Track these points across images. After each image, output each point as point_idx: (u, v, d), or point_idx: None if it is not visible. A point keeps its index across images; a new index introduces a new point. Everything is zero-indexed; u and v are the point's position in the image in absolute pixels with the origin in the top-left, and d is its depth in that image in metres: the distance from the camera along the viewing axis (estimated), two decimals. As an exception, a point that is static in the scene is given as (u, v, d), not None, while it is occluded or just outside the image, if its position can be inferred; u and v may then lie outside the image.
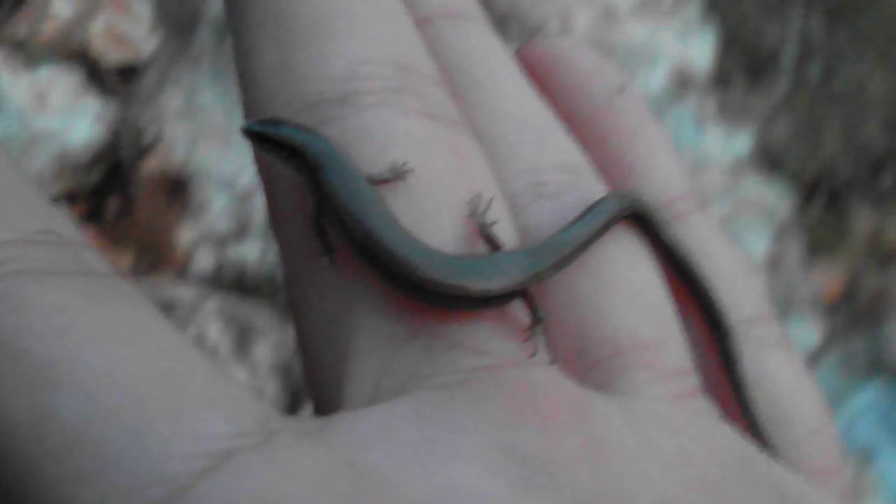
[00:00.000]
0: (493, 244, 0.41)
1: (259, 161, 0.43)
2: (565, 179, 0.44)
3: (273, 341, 0.79)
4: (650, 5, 2.15)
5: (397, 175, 0.41)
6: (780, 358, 0.45)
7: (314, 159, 0.40)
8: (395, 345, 0.39)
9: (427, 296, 0.39)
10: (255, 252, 0.80)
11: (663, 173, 0.47)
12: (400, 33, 0.44)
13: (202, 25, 0.95)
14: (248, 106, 0.43)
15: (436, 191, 0.41)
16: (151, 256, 0.83)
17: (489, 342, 0.39)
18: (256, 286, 0.78)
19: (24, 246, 0.33)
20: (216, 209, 0.83)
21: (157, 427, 0.32)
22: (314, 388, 0.41)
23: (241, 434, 0.33)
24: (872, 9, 2.93)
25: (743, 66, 2.59)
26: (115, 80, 0.92)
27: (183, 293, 0.81)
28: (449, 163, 0.41)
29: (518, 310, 0.41)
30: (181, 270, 0.82)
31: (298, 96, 0.42)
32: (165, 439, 0.32)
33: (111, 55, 0.87)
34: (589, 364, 0.41)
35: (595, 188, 0.45)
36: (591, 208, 0.43)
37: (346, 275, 0.40)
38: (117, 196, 0.84)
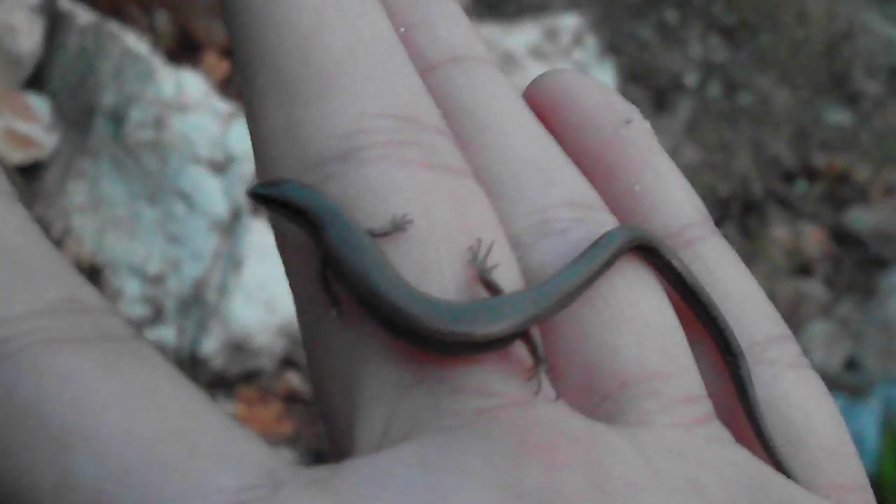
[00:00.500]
0: (493, 289, 0.41)
1: (271, 221, 0.43)
2: (572, 216, 0.44)
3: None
4: (546, 47, 2.19)
5: (397, 227, 0.40)
6: (794, 378, 0.45)
7: (315, 217, 0.40)
8: (401, 391, 0.39)
9: (429, 344, 0.39)
10: (172, 334, 0.81)
11: (673, 201, 0.47)
12: (402, 84, 0.43)
13: (98, 118, 0.96)
14: (259, 168, 0.43)
15: (435, 240, 0.41)
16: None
17: (492, 383, 0.39)
18: (178, 367, 0.79)
19: (48, 315, 0.34)
20: (130, 295, 0.84)
21: (168, 486, 0.32)
22: (330, 435, 0.41)
23: (249, 487, 0.33)
24: (769, 28, 3.01)
25: (647, 94, 2.64)
26: (18, 180, 0.92)
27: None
28: (448, 211, 0.41)
29: (521, 350, 0.41)
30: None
31: (303, 156, 0.42)
32: (175, 498, 0.32)
33: (13, 155, 0.88)
34: (598, 398, 0.41)
35: (604, 222, 0.44)
36: (596, 243, 0.43)
37: (353, 326, 0.40)
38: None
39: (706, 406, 0.42)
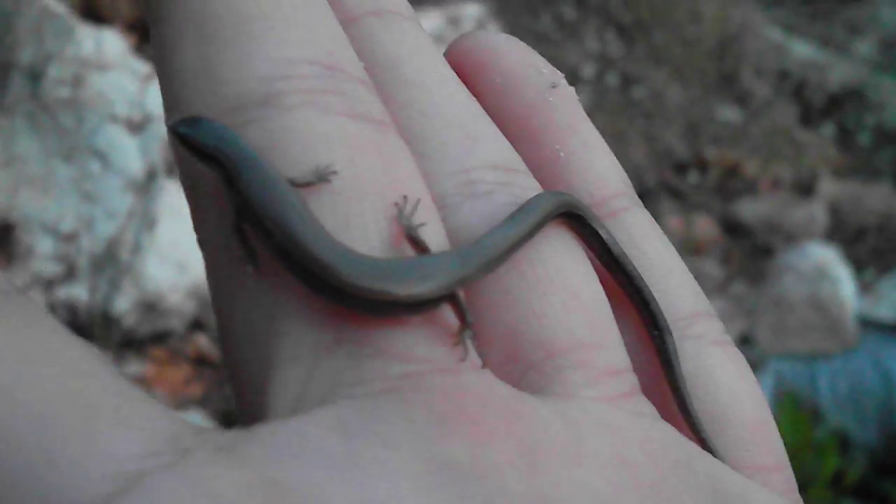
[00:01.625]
0: (420, 247, 0.38)
1: (181, 163, 0.40)
2: (497, 178, 0.42)
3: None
4: (449, 33, 2.20)
5: (321, 178, 0.38)
6: (718, 355, 0.43)
7: (232, 163, 0.37)
8: (319, 353, 0.36)
9: (352, 301, 0.36)
10: (84, 292, 0.80)
11: (598, 171, 0.45)
12: (324, 32, 0.41)
13: (14, 76, 0.94)
14: (169, 106, 0.40)
15: (361, 193, 0.38)
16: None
17: (416, 348, 0.37)
18: (88, 326, 0.79)
19: None
20: (42, 253, 0.83)
21: (67, 450, 0.30)
22: (239, 397, 0.38)
23: (153, 454, 0.31)
24: (663, 25, 3.07)
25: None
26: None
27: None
28: (375, 164, 0.39)
29: (447, 314, 0.38)
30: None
31: (220, 98, 0.39)
32: (75, 462, 0.30)
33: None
34: (524, 367, 0.39)
35: (528, 187, 0.42)
36: (523, 208, 0.41)
37: (269, 281, 0.37)
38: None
39: (632, 380, 0.40)
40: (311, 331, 0.36)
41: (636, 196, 0.46)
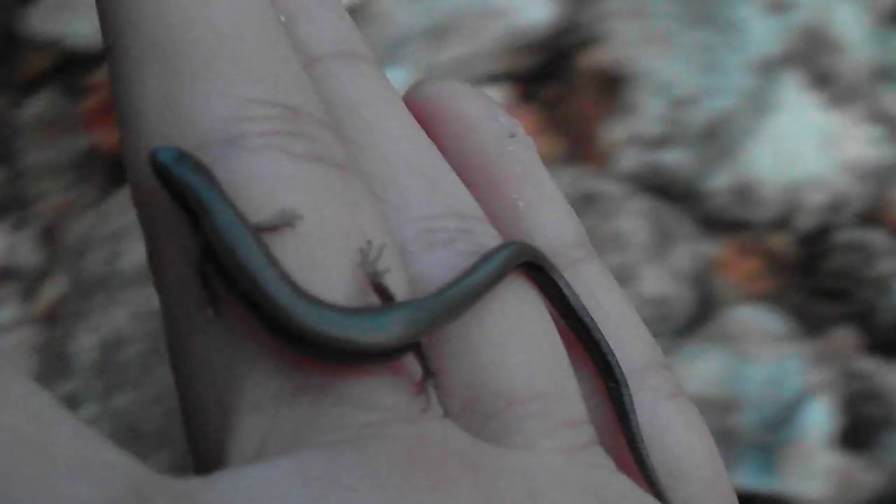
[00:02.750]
0: (384, 294, 0.37)
1: (137, 193, 0.39)
2: (458, 227, 0.41)
3: (692, 251, 0.76)
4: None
5: (285, 222, 0.37)
6: (674, 408, 0.43)
7: (199, 202, 0.36)
8: (281, 401, 0.35)
9: (315, 349, 0.35)
10: (682, 160, 0.76)
11: (554, 220, 0.45)
12: (287, 73, 0.40)
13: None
14: (129, 145, 0.39)
15: (326, 238, 0.37)
16: (579, 147, 0.81)
17: (379, 397, 0.36)
18: (681, 194, 0.75)
19: None
20: (648, 113, 0.80)
21: (22, 499, 0.28)
22: (196, 446, 0.37)
23: (113, 501, 0.29)
24: None
25: None
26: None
27: (605, 187, 0.79)
28: (339, 209, 0.38)
29: (409, 363, 0.37)
30: (604, 165, 0.80)
31: (183, 136, 0.38)
32: None
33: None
34: (484, 417, 0.38)
35: (488, 235, 0.42)
36: (485, 257, 0.40)
37: (231, 328, 0.36)
38: (555, 83, 0.83)
39: (589, 431, 0.40)
40: (273, 378, 0.35)
41: (591, 247, 0.46)
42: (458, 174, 0.44)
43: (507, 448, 0.38)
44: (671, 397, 0.44)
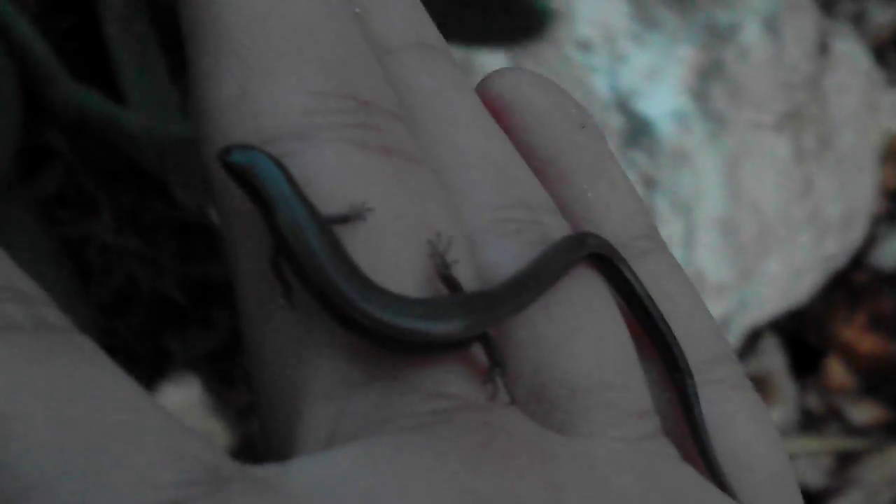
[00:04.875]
0: (453, 285, 0.37)
1: (217, 192, 0.39)
2: (527, 217, 0.41)
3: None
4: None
5: (356, 214, 0.37)
6: (738, 400, 0.43)
7: (270, 197, 0.36)
8: (351, 389, 0.35)
9: (384, 341, 0.35)
10: None
11: (624, 212, 0.44)
12: (362, 65, 0.40)
13: None
14: (204, 137, 0.39)
15: (396, 230, 0.37)
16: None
17: (447, 385, 0.36)
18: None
19: None
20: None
21: (107, 477, 0.29)
22: (268, 433, 0.38)
23: (191, 483, 0.30)
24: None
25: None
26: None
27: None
28: (409, 201, 0.38)
29: (476, 352, 0.37)
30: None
31: (256, 129, 0.38)
32: (114, 489, 0.29)
33: None
34: (549, 406, 0.38)
35: (557, 226, 0.42)
36: (553, 248, 0.40)
37: (302, 318, 0.37)
38: None
39: (654, 422, 0.40)
40: (343, 367, 0.36)
41: (661, 238, 0.45)
42: (530, 165, 0.44)
43: (573, 437, 0.38)
44: (736, 389, 0.43)
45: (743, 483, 0.42)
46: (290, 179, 0.37)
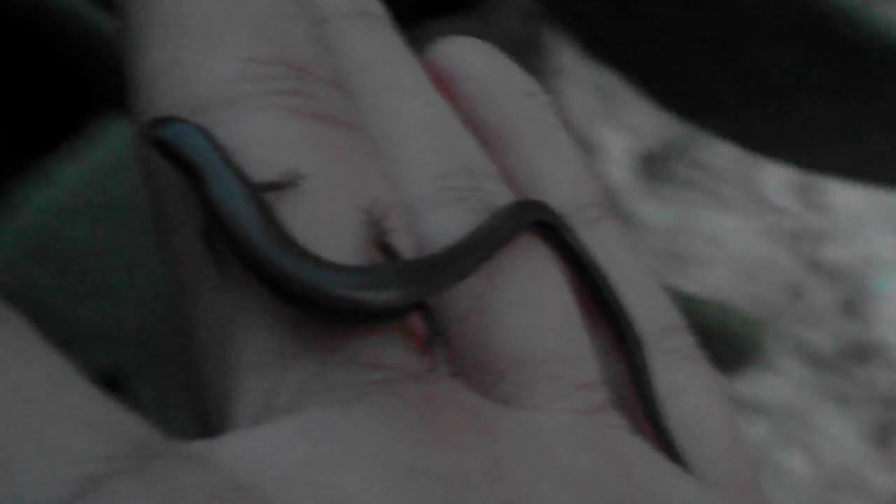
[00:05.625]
0: (390, 254, 0.36)
1: (141, 155, 0.38)
2: (469, 185, 0.40)
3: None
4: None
5: (289, 181, 0.36)
6: (690, 370, 0.42)
7: (199, 168, 0.35)
8: (286, 361, 0.34)
9: (320, 310, 0.34)
10: None
11: (570, 180, 0.43)
12: (295, 32, 0.39)
13: None
14: (136, 107, 0.38)
15: (331, 198, 0.36)
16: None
17: (386, 356, 0.35)
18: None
19: None
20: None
21: (24, 451, 0.28)
22: (200, 408, 0.36)
23: (115, 457, 0.29)
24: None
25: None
26: None
27: None
28: (345, 168, 0.37)
29: (417, 322, 0.36)
30: None
31: (186, 97, 0.37)
32: (32, 463, 0.28)
33: None
34: (493, 377, 0.37)
35: (501, 194, 0.41)
36: (496, 215, 0.39)
37: (234, 288, 0.35)
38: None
39: (603, 393, 0.39)
40: (276, 339, 0.34)
41: (609, 207, 0.44)
42: (475, 135, 0.43)
43: (518, 409, 0.37)
44: (689, 359, 0.42)
45: (696, 455, 0.41)
46: (219, 148, 0.35)
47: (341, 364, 0.34)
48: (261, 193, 0.36)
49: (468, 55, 0.45)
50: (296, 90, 0.38)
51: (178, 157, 0.36)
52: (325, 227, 0.36)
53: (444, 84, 0.44)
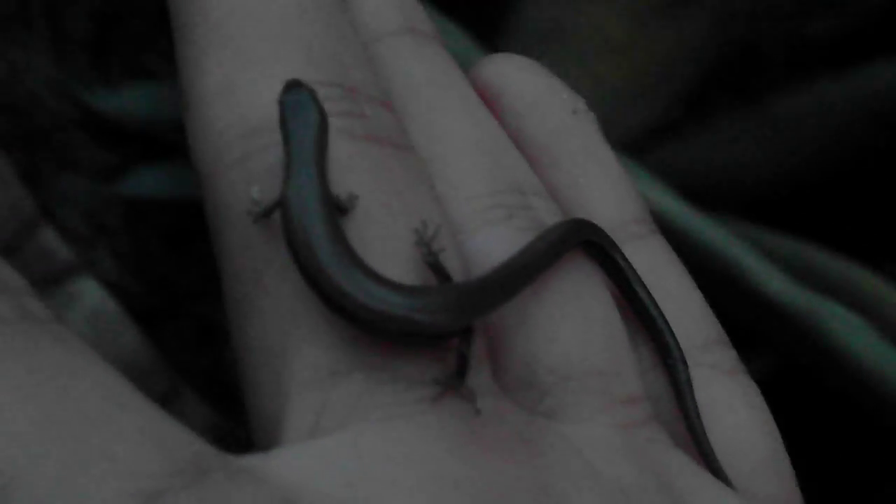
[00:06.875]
0: (440, 274, 0.36)
1: (200, 173, 0.38)
2: (517, 203, 0.40)
3: None
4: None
5: (349, 203, 0.36)
6: (733, 385, 0.42)
7: (288, 153, 0.35)
8: (336, 378, 0.35)
9: (372, 327, 0.34)
10: None
11: (617, 196, 0.44)
12: (349, 52, 0.39)
13: None
14: (190, 130, 0.39)
15: (383, 218, 0.37)
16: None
17: (434, 373, 0.36)
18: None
19: None
20: None
21: (86, 468, 0.29)
22: (255, 424, 0.37)
23: (173, 473, 0.30)
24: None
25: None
26: None
27: None
28: (395, 188, 0.37)
29: (464, 339, 0.36)
30: None
31: (242, 120, 0.37)
32: (95, 479, 0.29)
33: None
34: (538, 393, 0.38)
35: (548, 210, 0.41)
36: (543, 235, 0.39)
37: (288, 303, 0.36)
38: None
39: (646, 408, 0.39)
40: (328, 354, 0.35)
41: (654, 224, 0.45)
42: (521, 152, 0.44)
43: (562, 423, 0.37)
44: (730, 374, 0.43)
45: (737, 469, 0.41)
46: (324, 145, 0.36)
47: (390, 381, 0.35)
48: (332, 205, 0.36)
49: (515, 72, 0.45)
50: (348, 111, 0.38)
51: (281, 131, 0.36)
52: (376, 247, 0.37)
53: (492, 101, 0.45)
